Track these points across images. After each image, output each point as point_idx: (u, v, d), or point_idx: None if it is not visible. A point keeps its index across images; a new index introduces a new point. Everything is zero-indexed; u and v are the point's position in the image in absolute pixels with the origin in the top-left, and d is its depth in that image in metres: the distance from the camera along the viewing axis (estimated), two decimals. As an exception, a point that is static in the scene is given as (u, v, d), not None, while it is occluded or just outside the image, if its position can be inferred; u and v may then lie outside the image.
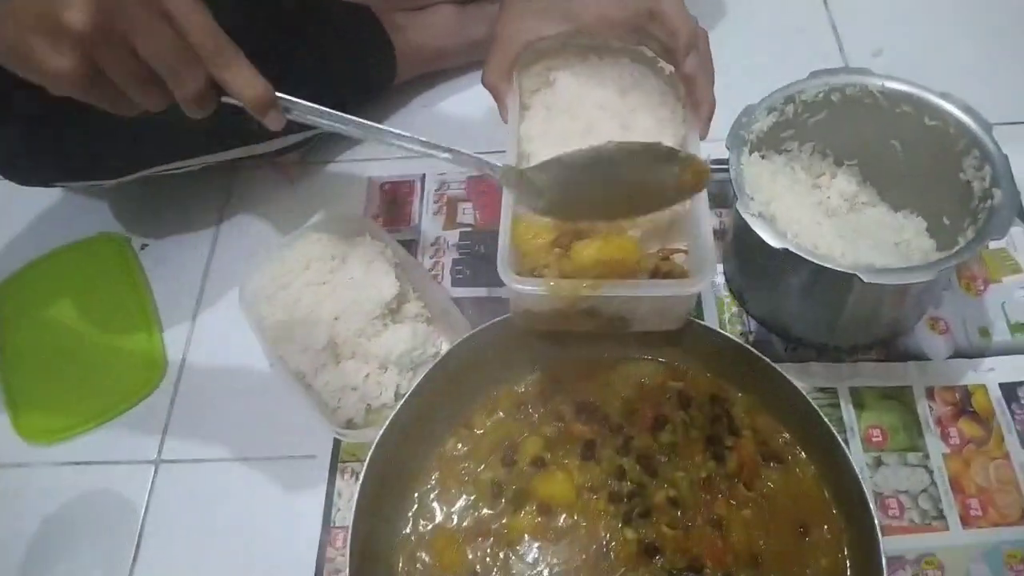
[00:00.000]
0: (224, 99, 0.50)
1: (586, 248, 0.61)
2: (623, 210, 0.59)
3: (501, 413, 0.69)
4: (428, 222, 0.90)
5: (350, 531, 0.59)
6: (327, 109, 0.52)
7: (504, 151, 0.91)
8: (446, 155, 0.56)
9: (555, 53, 0.69)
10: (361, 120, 0.54)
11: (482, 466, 0.66)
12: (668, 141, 0.64)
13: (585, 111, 0.66)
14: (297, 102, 0.52)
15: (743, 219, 0.66)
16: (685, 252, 0.63)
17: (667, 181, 0.56)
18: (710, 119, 0.64)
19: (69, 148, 0.72)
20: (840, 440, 0.59)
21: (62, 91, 0.46)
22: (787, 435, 0.65)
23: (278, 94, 0.50)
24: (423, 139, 0.55)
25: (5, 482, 0.77)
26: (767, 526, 0.62)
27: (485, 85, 0.67)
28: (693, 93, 0.64)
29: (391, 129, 0.55)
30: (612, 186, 0.57)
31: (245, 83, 0.48)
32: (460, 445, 0.68)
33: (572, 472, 0.65)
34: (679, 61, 0.62)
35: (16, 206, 0.93)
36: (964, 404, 0.72)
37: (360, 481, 0.61)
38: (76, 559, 0.72)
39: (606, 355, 0.70)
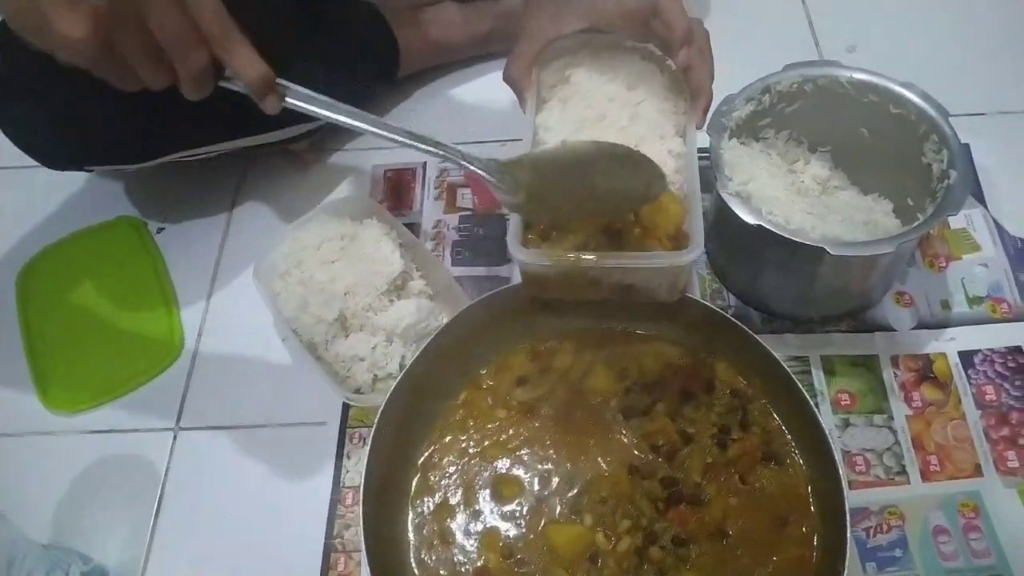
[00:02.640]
0: (223, 83, 0.53)
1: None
2: (595, 210, 0.64)
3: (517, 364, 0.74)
4: (429, 206, 0.95)
5: (362, 487, 0.64)
6: (322, 96, 0.54)
7: (510, 139, 0.97)
8: (431, 148, 0.58)
9: (573, 51, 0.74)
10: (351, 108, 0.55)
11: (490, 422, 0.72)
12: (670, 130, 0.70)
13: (597, 102, 0.71)
14: (293, 87, 0.54)
15: (722, 199, 0.72)
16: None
17: (636, 184, 0.62)
18: (707, 110, 0.69)
19: (97, 132, 0.77)
20: (808, 397, 0.64)
21: (71, 60, 0.48)
22: (788, 435, 0.69)
23: (278, 80, 0.53)
24: (409, 131, 0.57)
25: (33, 448, 0.82)
26: (748, 515, 0.66)
27: (506, 80, 0.71)
28: (690, 84, 0.69)
29: (379, 120, 0.57)
30: (586, 185, 0.62)
31: (247, 63, 0.51)
32: (461, 412, 0.73)
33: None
34: (674, 53, 0.67)
35: (39, 191, 0.98)
36: (926, 371, 0.78)
37: (370, 441, 0.66)
38: (102, 519, 0.77)
39: (620, 328, 0.75)
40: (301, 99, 0.54)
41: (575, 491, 0.68)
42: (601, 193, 0.62)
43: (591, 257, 0.62)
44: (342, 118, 0.55)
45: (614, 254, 0.63)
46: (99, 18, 0.46)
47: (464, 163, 0.59)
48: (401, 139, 0.57)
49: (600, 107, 0.71)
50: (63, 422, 0.83)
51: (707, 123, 0.75)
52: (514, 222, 0.64)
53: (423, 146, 0.57)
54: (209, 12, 0.49)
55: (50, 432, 0.83)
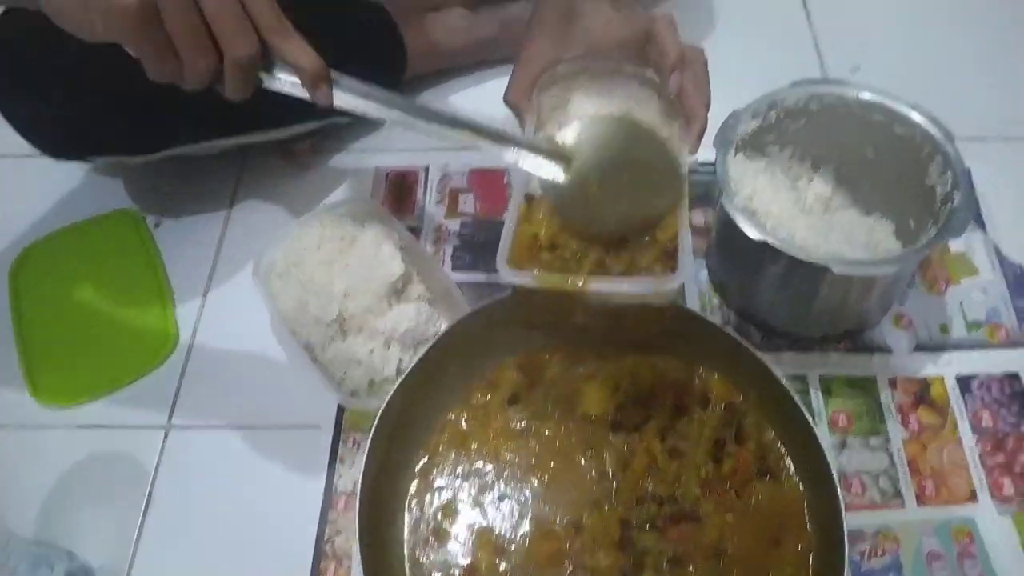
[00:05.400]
0: (266, 84, 0.52)
1: None
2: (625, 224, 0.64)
3: (512, 373, 0.74)
4: (431, 210, 0.94)
5: (358, 491, 0.63)
6: (378, 90, 0.53)
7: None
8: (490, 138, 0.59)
9: (572, 76, 0.73)
10: (405, 100, 0.55)
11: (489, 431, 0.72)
12: None
13: None
14: (347, 79, 0.52)
15: (726, 214, 0.72)
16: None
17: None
18: (701, 136, 0.68)
19: (100, 122, 0.76)
20: (805, 412, 0.64)
21: (110, 33, 0.46)
22: (783, 449, 0.69)
23: (332, 71, 0.52)
24: (473, 120, 0.58)
25: (21, 442, 0.81)
26: (743, 531, 0.66)
27: (506, 103, 0.71)
28: (684, 110, 0.67)
29: (438, 110, 0.56)
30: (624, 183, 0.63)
31: (302, 52, 0.50)
32: (465, 414, 0.73)
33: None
34: (665, 79, 0.66)
35: (37, 181, 0.97)
36: (923, 394, 0.78)
37: (368, 444, 0.66)
38: (89, 516, 0.76)
39: (613, 340, 0.74)
40: (355, 92, 0.53)
41: (566, 505, 0.68)
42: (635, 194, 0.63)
43: (575, 279, 0.61)
44: (394, 110, 0.54)
45: (600, 279, 0.62)
46: None
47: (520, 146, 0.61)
48: (467, 131, 0.58)
49: None
50: (52, 416, 0.82)
51: (714, 137, 0.76)
52: (506, 237, 0.62)
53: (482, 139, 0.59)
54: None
55: (39, 426, 0.82)
